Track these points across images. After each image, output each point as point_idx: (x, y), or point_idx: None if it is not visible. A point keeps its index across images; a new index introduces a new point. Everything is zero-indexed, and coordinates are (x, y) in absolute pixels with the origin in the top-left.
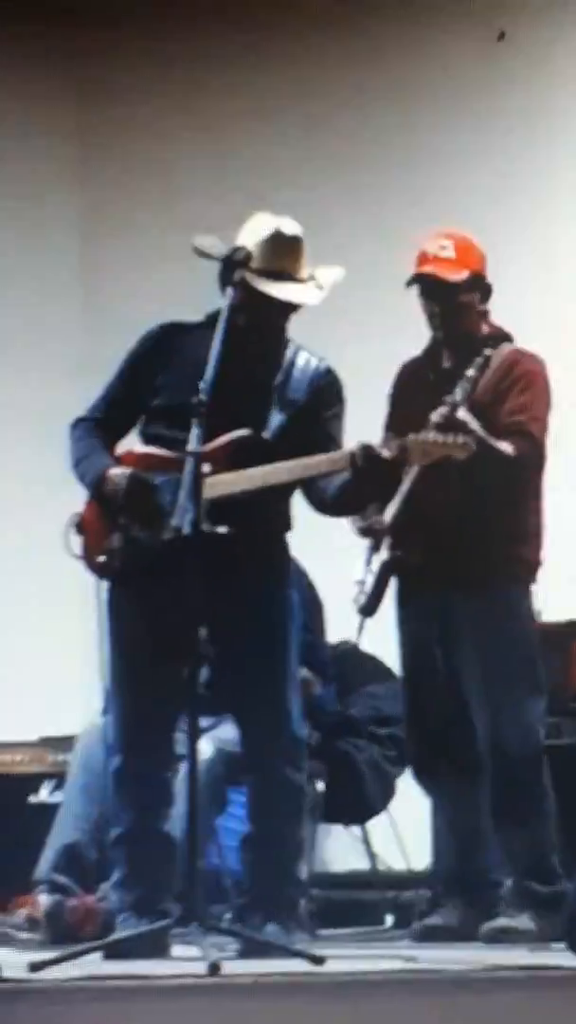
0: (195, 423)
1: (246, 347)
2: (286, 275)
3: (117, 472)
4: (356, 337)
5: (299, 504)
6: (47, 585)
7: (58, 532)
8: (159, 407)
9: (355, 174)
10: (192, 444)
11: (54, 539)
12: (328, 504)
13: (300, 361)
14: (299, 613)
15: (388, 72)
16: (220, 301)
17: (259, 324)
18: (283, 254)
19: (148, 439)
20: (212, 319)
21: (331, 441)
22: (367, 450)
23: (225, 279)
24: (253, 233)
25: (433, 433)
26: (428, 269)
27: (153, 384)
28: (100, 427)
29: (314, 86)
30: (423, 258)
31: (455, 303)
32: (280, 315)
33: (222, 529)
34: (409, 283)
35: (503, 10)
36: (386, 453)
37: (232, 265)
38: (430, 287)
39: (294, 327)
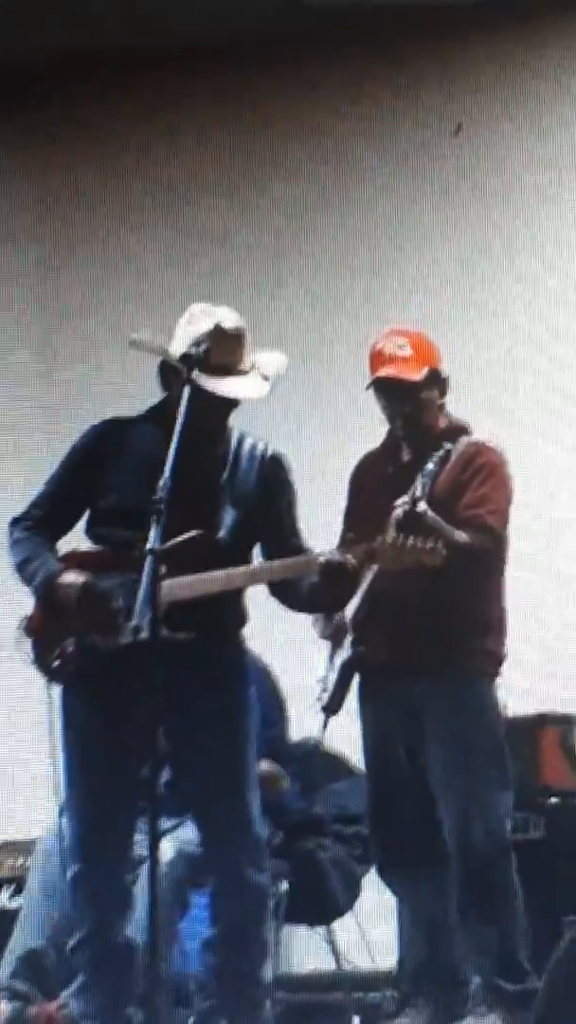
0: (153, 522)
1: (192, 443)
2: (229, 369)
3: (68, 580)
4: (311, 427)
5: (264, 599)
6: (3, 687)
7: (10, 634)
8: (107, 507)
9: (309, 268)
10: (151, 543)
11: (7, 643)
12: (299, 604)
13: (245, 450)
14: (258, 710)
15: (344, 164)
16: (158, 395)
17: (203, 419)
18: (225, 349)
19: (96, 538)
20: (154, 412)
21: (287, 531)
22: (332, 560)
23: (166, 375)
24: (193, 324)
25: (403, 537)
26: (388, 371)
27: (98, 483)
28: (42, 526)
29: (266, 183)
30: (380, 358)
31: (416, 401)
32: (223, 410)
33: (182, 635)
34: (369, 386)
35: (460, 103)
36: (353, 561)
37: (190, 362)
38: (390, 388)
39: (248, 414)
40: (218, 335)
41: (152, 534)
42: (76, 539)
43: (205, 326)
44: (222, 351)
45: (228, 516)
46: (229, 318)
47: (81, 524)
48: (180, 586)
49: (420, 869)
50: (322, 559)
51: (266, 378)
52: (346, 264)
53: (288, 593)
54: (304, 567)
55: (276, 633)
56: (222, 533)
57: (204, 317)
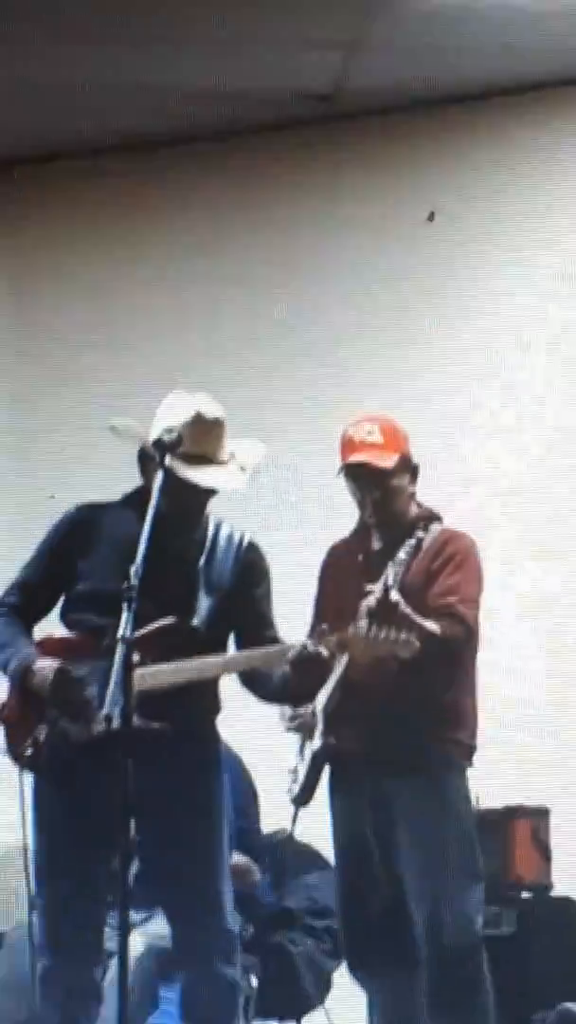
0: (125, 608)
1: (168, 530)
2: (207, 458)
3: (43, 665)
4: (280, 515)
5: (232, 688)
6: None
7: None
8: (81, 592)
9: (280, 354)
10: (122, 630)
11: None
12: (269, 694)
13: (222, 538)
14: (230, 800)
15: (314, 251)
16: (136, 480)
17: (180, 508)
18: (204, 437)
19: (70, 624)
20: (130, 499)
21: (262, 620)
22: (305, 651)
23: (144, 462)
24: (172, 412)
25: (375, 629)
26: (359, 457)
27: (73, 568)
28: (16, 612)
29: (241, 268)
30: (351, 445)
31: (386, 487)
32: (201, 500)
33: (155, 725)
34: (340, 471)
35: (433, 190)
36: (324, 652)
37: (163, 448)
38: (362, 475)
39: (218, 501)
40: (197, 423)
41: (123, 621)
42: (51, 625)
43: (185, 414)
44: (201, 439)
45: (204, 603)
46: (209, 406)
47: (57, 609)
48: (153, 674)
49: (390, 965)
50: (294, 650)
51: (243, 469)
52: (319, 354)
53: (258, 683)
54: (277, 657)
55: (246, 723)
56: (197, 620)
57: (184, 404)
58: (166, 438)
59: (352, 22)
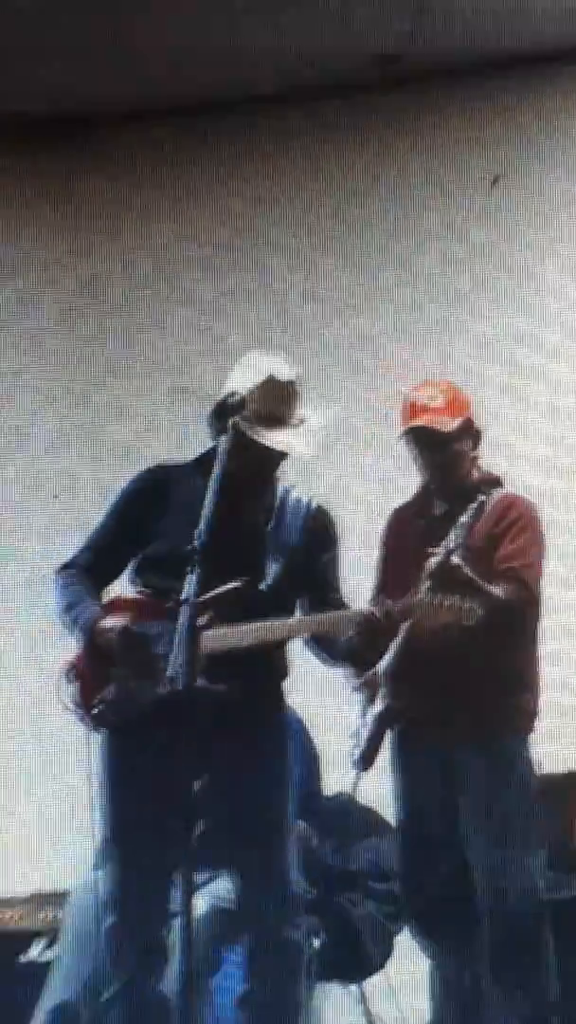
0: (190, 571)
1: (238, 493)
2: (279, 421)
3: (109, 624)
4: (345, 477)
5: (297, 651)
6: (39, 738)
7: (51, 684)
8: (152, 555)
9: (349, 318)
10: (187, 592)
11: (47, 691)
12: (333, 659)
13: (291, 502)
14: (295, 764)
15: (384, 215)
16: (208, 442)
17: (251, 470)
18: (277, 400)
19: (140, 587)
20: (201, 462)
21: (328, 585)
22: (370, 616)
23: (217, 422)
24: (246, 373)
25: (439, 596)
26: (422, 421)
27: (144, 531)
28: (87, 573)
29: (305, 233)
30: (413, 409)
31: (449, 452)
32: (272, 462)
33: (220, 687)
34: (402, 435)
35: (500, 153)
36: (390, 618)
37: (225, 411)
38: (424, 438)
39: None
40: (270, 385)
41: (188, 583)
42: (122, 587)
43: (258, 376)
44: (273, 402)
45: (272, 567)
46: (282, 368)
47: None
48: (219, 637)
49: (452, 928)
50: (359, 615)
51: (315, 433)
52: (385, 319)
53: (323, 647)
54: (343, 622)
55: (309, 685)
56: (264, 584)
57: (257, 366)
58: (229, 401)
59: None
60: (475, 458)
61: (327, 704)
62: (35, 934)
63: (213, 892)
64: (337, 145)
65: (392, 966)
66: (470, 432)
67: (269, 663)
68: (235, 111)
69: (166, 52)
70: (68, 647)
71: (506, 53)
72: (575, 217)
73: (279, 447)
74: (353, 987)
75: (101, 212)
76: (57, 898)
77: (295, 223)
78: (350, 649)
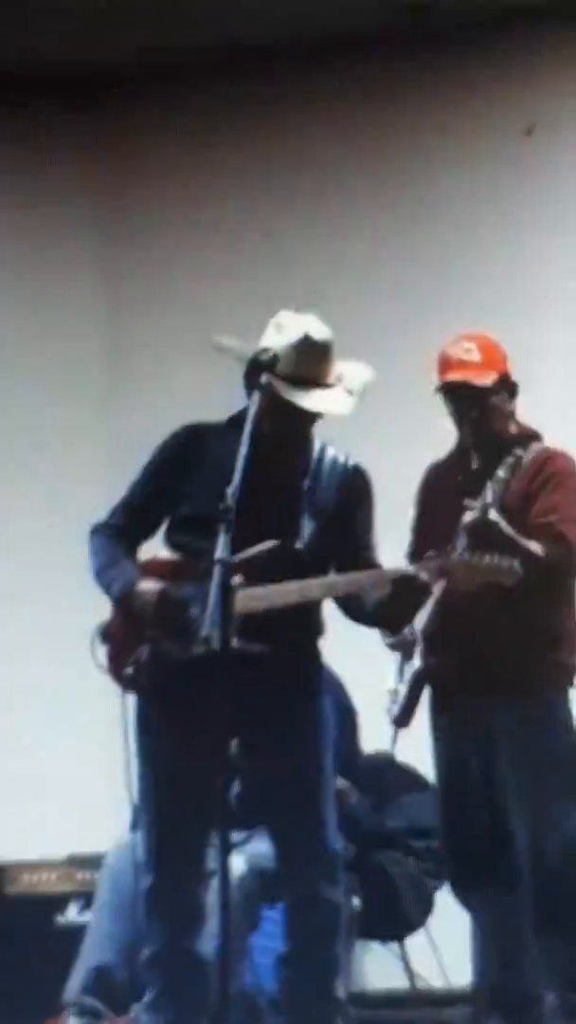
0: (222, 530)
1: (273, 453)
2: (314, 381)
3: (146, 587)
4: (378, 436)
5: (332, 609)
6: (73, 701)
7: (83, 646)
8: (185, 515)
9: (379, 273)
10: (219, 552)
11: (80, 653)
12: (366, 618)
13: (327, 461)
14: (333, 723)
15: (411, 167)
16: (244, 402)
17: (286, 431)
18: (312, 360)
19: (174, 547)
20: (236, 421)
21: (363, 545)
22: (406, 575)
23: (251, 382)
24: (280, 333)
25: (477, 555)
26: (457, 376)
27: (178, 490)
28: (121, 534)
29: (337, 186)
30: (448, 363)
31: (485, 406)
32: (307, 422)
33: (256, 646)
34: (437, 390)
35: (532, 103)
36: (426, 576)
37: (258, 368)
38: (459, 393)
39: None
40: (305, 345)
41: (220, 543)
42: (156, 547)
43: (294, 335)
44: (308, 361)
45: (307, 526)
46: (317, 328)
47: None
48: (254, 597)
49: (493, 885)
50: (395, 574)
51: (351, 392)
52: (419, 271)
53: (355, 606)
54: (378, 581)
55: (346, 643)
56: (300, 543)
57: (292, 325)
58: (263, 358)
59: None
60: (512, 412)
61: (366, 662)
62: (72, 896)
63: (251, 851)
64: (367, 97)
65: (433, 922)
66: (507, 386)
67: (304, 622)
68: (259, 66)
69: (191, 5)
70: (103, 607)
71: (535, 3)
72: None
73: (313, 407)
74: (394, 945)
75: (121, 169)
76: (94, 860)
77: (323, 179)
78: (382, 608)
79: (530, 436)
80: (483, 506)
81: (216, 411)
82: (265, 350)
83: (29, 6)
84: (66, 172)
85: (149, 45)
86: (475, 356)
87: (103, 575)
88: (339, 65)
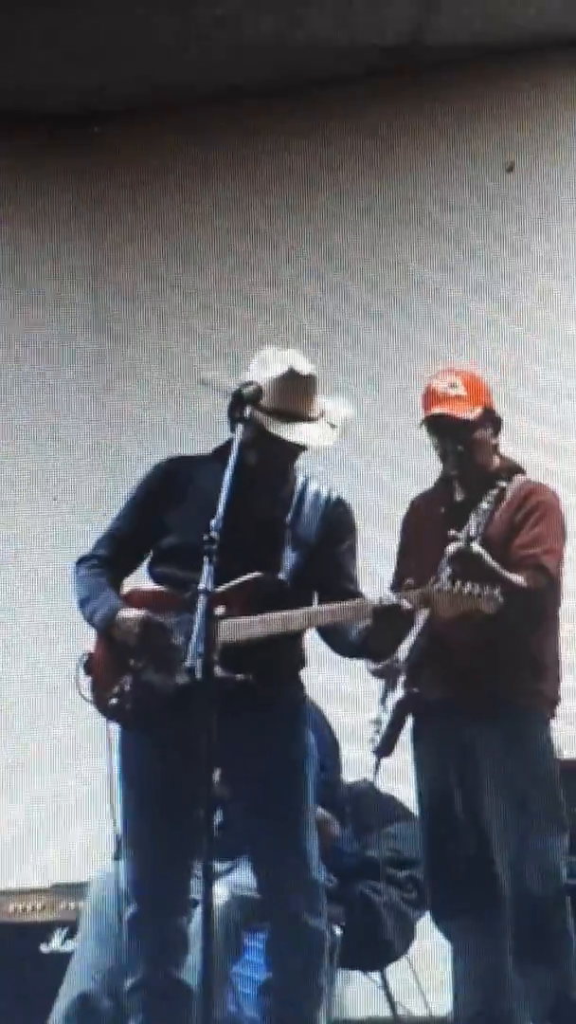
0: (206, 561)
1: (256, 485)
2: (298, 415)
3: (129, 615)
4: (362, 469)
5: (314, 640)
6: (58, 730)
7: (68, 675)
8: (169, 546)
9: (363, 308)
10: (203, 583)
11: (64, 682)
12: (350, 649)
13: (310, 494)
14: (315, 753)
15: (391, 203)
16: (229, 434)
17: (270, 463)
18: (296, 394)
19: (158, 578)
20: (220, 453)
21: (345, 576)
22: (388, 605)
23: (235, 415)
24: (264, 367)
25: (459, 584)
26: (441, 409)
27: (162, 521)
28: (106, 564)
29: (320, 223)
30: (433, 397)
31: (469, 440)
32: (291, 455)
33: (239, 676)
34: (422, 423)
35: (512, 141)
36: (408, 606)
37: (242, 401)
38: (444, 426)
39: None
40: (289, 379)
41: (204, 574)
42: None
43: (278, 369)
44: (292, 395)
45: (290, 558)
46: (301, 362)
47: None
48: (237, 627)
49: (475, 914)
50: (377, 603)
51: (333, 426)
52: (400, 304)
53: (339, 637)
54: (359, 612)
55: (328, 673)
56: (283, 574)
57: (276, 360)
58: (245, 391)
59: None
60: (496, 445)
61: (348, 691)
62: (57, 924)
63: (234, 881)
64: (346, 135)
65: (414, 952)
66: (490, 419)
67: (286, 653)
68: (241, 104)
69: (171, 47)
70: (87, 636)
71: (513, 41)
72: None
73: (297, 440)
74: (376, 974)
75: (111, 207)
76: (77, 889)
77: (301, 218)
78: (364, 638)
79: (513, 469)
80: (467, 538)
81: (200, 444)
82: (249, 384)
83: (16, 41)
84: (55, 203)
85: (133, 85)
86: (459, 390)
87: (87, 605)
88: (321, 105)
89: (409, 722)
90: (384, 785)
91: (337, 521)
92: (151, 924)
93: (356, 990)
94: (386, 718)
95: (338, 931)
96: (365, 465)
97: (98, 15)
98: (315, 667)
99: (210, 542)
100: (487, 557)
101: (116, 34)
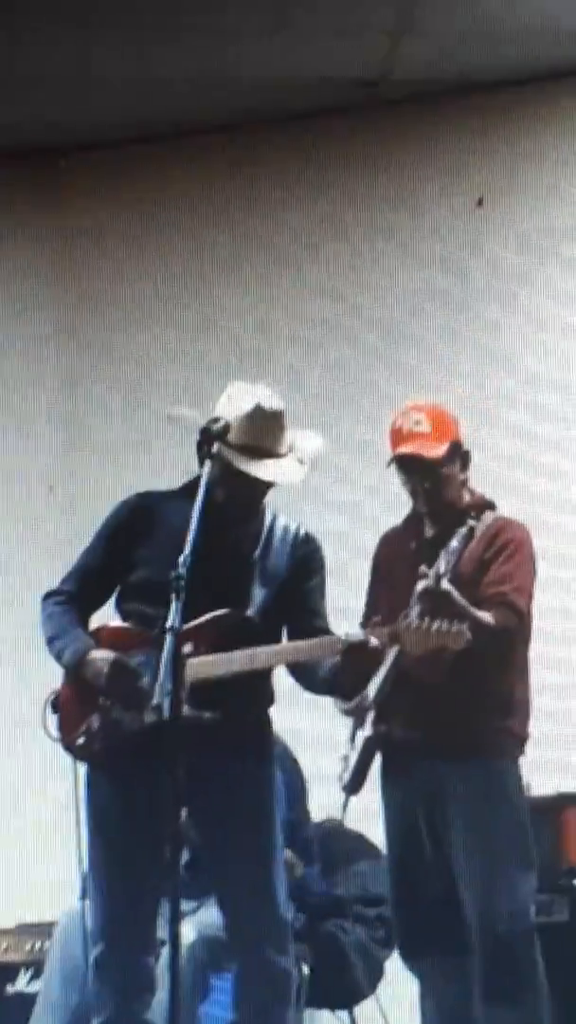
0: (174, 598)
1: (225, 521)
2: (266, 451)
3: (99, 656)
4: (333, 502)
5: (282, 678)
6: (23, 767)
7: (35, 712)
8: (137, 582)
9: (330, 342)
10: (170, 620)
11: (31, 719)
12: (319, 686)
13: (279, 529)
14: (282, 792)
15: (361, 238)
16: (196, 470)
17: (237, 500)
18: (263, 430)
19: (126, 614)
20: (188, 489)
21: (314, 612)
22: (357, 642)
23: (203, 451)
24: (231, 403)
25: (427, 621)
26: (408, 448)
27: (130, 557)
28: (73, 600)
29: (289, 257)
30: (399, 435)
31: (437, 477)
32: (259, 492)
33: (207, 715)
34: (390, 463)
35: (482, 175)
36: (376, 643)
37: (210, 437)
38: (411, 464)
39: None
40: (257, 415)
41: (172, 611)
42: (107, 615)
43: (245, 404)
44: (260, 431)
45: (258, 594)
46: (269, 398)
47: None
48: (205, 665)
49: (443, 952)
50: (345, 641)
51: (302, 462)
52: (369, 342)
53: (308, 674)
54: (328, 648)
55: (296, 710)
56: (252, 611)
57: (244, 396)
58: (213, 427)
59: (398, 7)
60: (464, 481)
61: (317, 728)
62: (21, 965)
63: (201, 920)
64: (318, 171)
65: (382, 990)
66: (458, 454)
67: (255, 690)
68: (212, 137)
69: (148, 80)
70: (55, 672)
71: (485, 77)
72: (554, 237)
73: (265, 476)
74: (343, 1012)
75: (87, 240)
76: (42, 929)
77: (274, 249)
78: (333, 675)
79: (483, 505)
80: (436, 575)
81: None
82: (216, 419)
83: None
84: (21, 243)
85: (104, 119)
86: (425, 427)
87: (55, 643)
88: (291, 139)
89: (378, 759)
90: (353, 823)
91: (306, 557)
92: (117, 964)
93: None
94: (354, 755)
95: (306, 970)
96: (333, 499)
97: (60, 47)
98: (284, 706)
99: (178, 579)
100: (455, 595)
101: (90, 68)
